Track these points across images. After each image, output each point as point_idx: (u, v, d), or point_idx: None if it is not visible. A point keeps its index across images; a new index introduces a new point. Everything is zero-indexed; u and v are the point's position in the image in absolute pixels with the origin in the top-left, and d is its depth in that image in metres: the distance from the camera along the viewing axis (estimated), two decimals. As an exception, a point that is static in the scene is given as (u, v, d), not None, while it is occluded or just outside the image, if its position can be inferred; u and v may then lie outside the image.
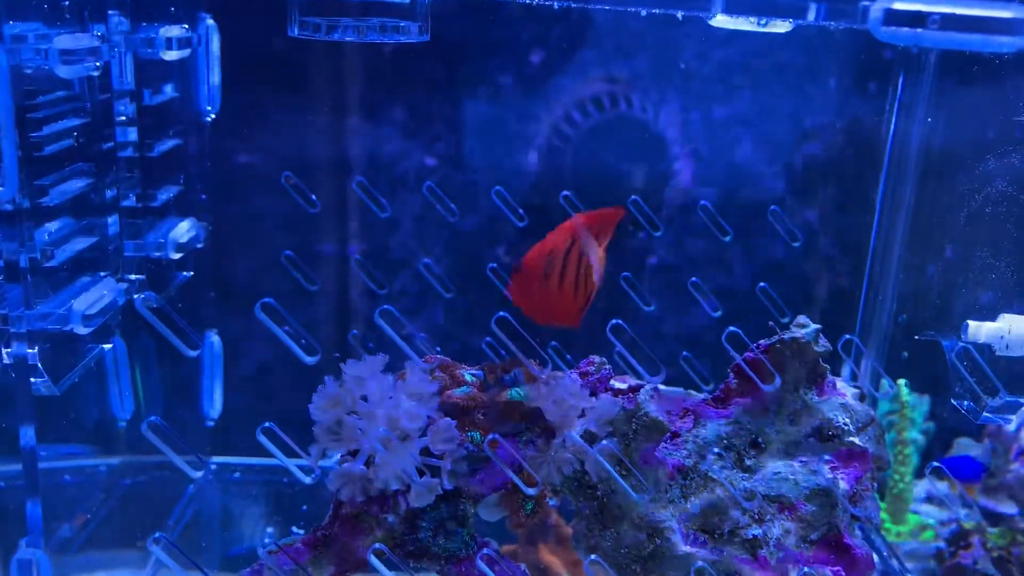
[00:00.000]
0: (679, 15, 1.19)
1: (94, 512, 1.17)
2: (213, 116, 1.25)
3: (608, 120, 1.38)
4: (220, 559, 1.27)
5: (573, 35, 1.33)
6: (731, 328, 0.87)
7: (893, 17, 0.77)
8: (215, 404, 1.34)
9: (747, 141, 1.38)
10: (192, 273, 1.22)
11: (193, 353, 0.74)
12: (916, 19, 0.76)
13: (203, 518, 1.30)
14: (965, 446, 1.61)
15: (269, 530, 1.24)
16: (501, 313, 0.85)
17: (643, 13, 0.95)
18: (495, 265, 1.08)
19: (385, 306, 0.82)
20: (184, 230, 1.14)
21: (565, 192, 1.16)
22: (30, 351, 0.82)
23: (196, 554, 1.10)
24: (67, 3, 0.89)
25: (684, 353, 1.18)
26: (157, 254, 1.09)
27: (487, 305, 1.48)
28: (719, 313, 1.18)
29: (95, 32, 0.92)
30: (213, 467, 1.35)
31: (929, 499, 1.61)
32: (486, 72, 1.35)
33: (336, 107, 1.37)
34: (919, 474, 1.57)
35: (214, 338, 1.32)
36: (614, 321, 0.91)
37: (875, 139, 1.27)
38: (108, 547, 1.18)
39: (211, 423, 1.35)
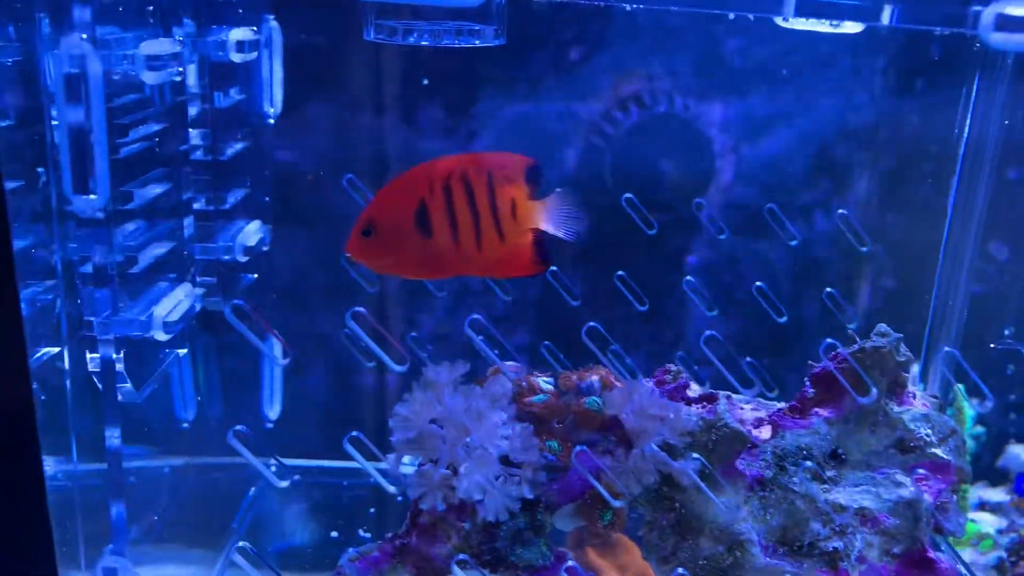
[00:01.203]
0: (750, 16, 1.18)
1: (160, 513, 1.17)
2: (275, 119, 1.24)
3: (656, 118, 1.37)
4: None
5: (624, 32, 1.31)
6: (828, 341, 0.86)
7: (1007, 23, 0.75)
8: (275, 406, 1.34)
9: (811, 142, 1.36)
10: (256, 276, 1.22)
11: (285, 361, 0.73)
12: (1032, 24, 0.74)
13: (264, 520, 1.31)
14: (1017, 452, 1.59)
15: (334, 535, 1.24)
16: (592, 323, 0.84)
17: (731, 16, 0.93)
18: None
19: (474, 315, 0.81)
20: (252, 233, 1.14)
21: (628, 195, 1.15)
22: (116, 356, 0.82)
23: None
24: (149, 7, 0.88)
25: (747, 359, 1.16)
26: (226, 257, 1.09)
27: (527, 305, 1.47)
28: (784, 319, 1.17)
29: (175, 36, 0.92)
30: (272, 468, 1.35)
31: (982, 506, 1.58)
32: (523, 70, 1.33)
33: (373, 105, 1.36)
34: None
35: (274, 340, 1.32)
36: (708, 332, 0.89)
37: (947, 141, 1.24)
38: (173, 547, 1.18)
39: (270, 425, 1.35)
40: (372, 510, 1.26)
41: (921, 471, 0.95)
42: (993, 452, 1.56)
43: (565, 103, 1.36)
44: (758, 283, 1.15)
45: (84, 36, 0.72)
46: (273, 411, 1.35)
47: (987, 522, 1.54)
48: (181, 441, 1.27)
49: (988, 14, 0.76)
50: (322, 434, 1.41)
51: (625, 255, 1.38)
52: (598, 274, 1.16)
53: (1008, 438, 1.56)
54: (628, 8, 1.13)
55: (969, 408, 1.47)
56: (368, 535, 1.22)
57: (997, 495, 1.55)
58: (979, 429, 1.60)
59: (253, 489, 1.31)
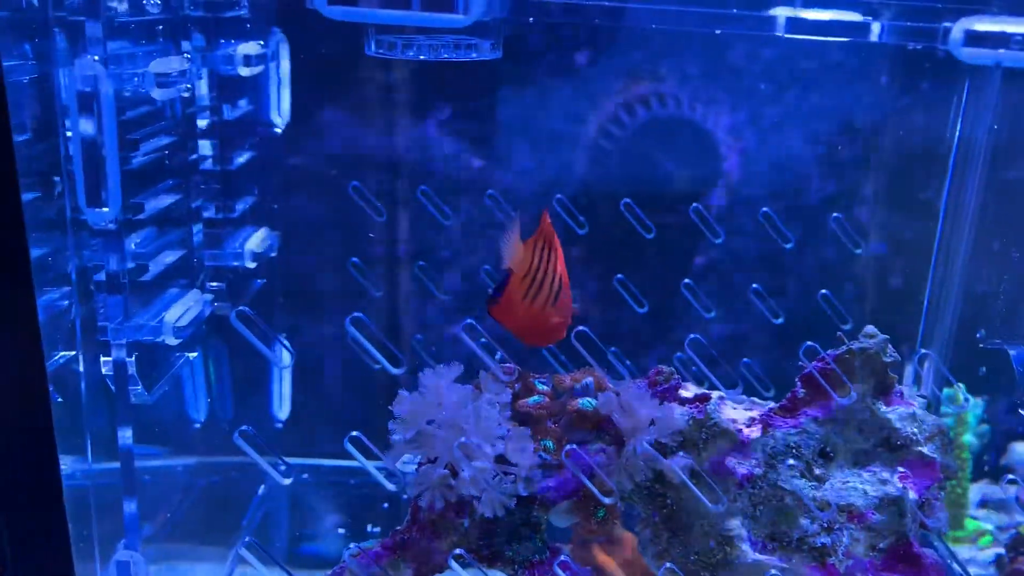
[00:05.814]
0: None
1: (173, 511, 1.21)
2: (282, 128, 1.28)
3: (661, 120, 1.39)
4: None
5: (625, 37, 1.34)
6: (808, 343, 0.88)
7: (974, 38, 0.77)
8: (284, 406, 1.38)
9: (806, 146, 1.38)
10: (265, 280, 1.26)
11: (286, 365, 0.77)
12: (998, 40, 0.76)
13: (273, 518, 1.34)
14: (1020, 451, 1.60)
15: (341, 531, 1.28)
16: (582, 328, 0.87)
17: (717, 32, 0.96)
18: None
19: (468, 319, 0.84)
20: (259, 239, 1.18)
21: (626, 199, 1.18)
22: (128, 360, 0.86)
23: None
24: (157, 25, 0.92)
25: (745, 360, 1.19)
26: (235, 263, 1.13)
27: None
28: (780, 320, 1.19)
29: (183, 53, 0.95)
30: (282, 468, 1.39)
31: (984, 504, 1.59)
32: (529, 74, 1.36)
33: (382, 110, 1.39)
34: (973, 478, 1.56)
35: (283, 342, 1.35)
36: (692, 336, 0.92)
37: (939, 146, 1.27)
38: (186, 545, 1.22)
39: (280, 424, 1.39)
40: (385, 505, 1.30)
41: (904, 469, 0.97)
42: (999, 450, 1.58)
43: (571, 107, 1.38)
44: (755, 285, 1.18)
45: (96, 57, 0.75)
46: (283, 412, 1.39)
47: (987, 519, 1.55)
48: (193, 441, 1.31)
49: (957, 30, 0.79)
50: (330, 434, 1.45)
51: (633, 257, 1.41)
52: (605, 276, 1.19)
53: (1012, 437, 1.57)
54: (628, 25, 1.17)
55: (958, 400, 1.49)
56: (378, 529, 1.26)
57: (999, 492, 1.56)
58: (984, 427, 1.61)
59: (263, 487, 1.35)
